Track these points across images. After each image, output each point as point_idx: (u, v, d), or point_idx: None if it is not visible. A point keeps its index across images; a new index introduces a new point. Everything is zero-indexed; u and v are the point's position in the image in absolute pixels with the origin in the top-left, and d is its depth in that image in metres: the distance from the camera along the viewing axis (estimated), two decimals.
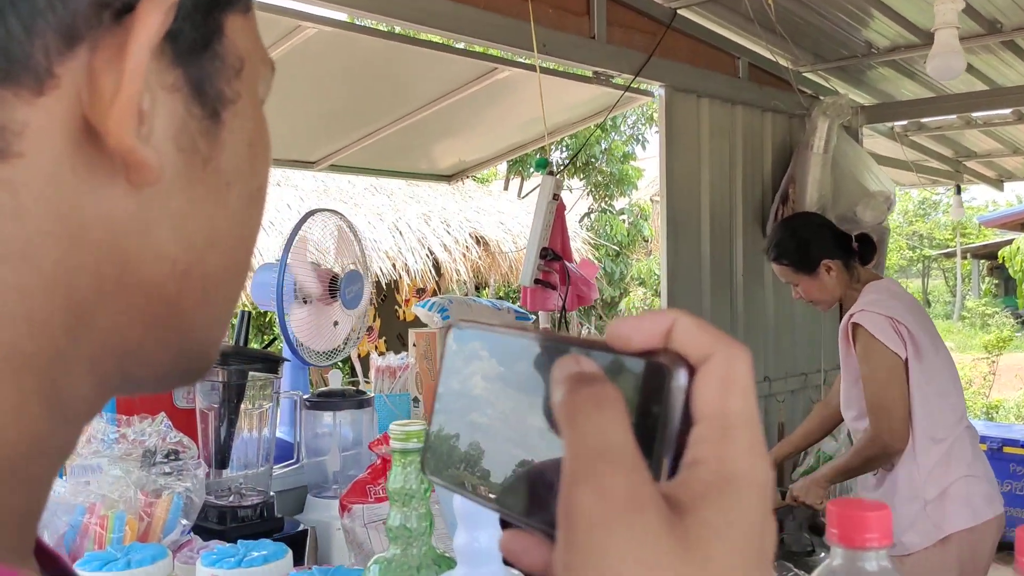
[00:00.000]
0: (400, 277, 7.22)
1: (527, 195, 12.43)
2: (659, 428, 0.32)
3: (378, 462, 1.34)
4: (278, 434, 1.97)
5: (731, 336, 0.33)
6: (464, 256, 7.80)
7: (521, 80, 3.14)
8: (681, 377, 0.32)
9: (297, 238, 2.10)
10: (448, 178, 4.42)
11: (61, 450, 0.36)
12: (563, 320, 2.68)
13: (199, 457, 1.29)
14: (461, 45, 3.13)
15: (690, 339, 0.33)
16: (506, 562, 0.71)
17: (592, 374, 0.33)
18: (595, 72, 3.08)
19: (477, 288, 8.84)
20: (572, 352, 0.34)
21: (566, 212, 2.86)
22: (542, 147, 3.86)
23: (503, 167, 11.51)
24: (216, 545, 0.93)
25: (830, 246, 2.48)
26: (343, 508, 1.31)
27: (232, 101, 0.37)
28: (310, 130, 3.45)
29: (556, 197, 2.69)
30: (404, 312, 8.18)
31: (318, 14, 2.42)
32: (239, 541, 0.91)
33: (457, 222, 8.09)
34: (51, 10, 0.30)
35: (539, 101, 3.29)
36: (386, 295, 8.31)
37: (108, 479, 1.02)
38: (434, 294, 7.64)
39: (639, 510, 0.30)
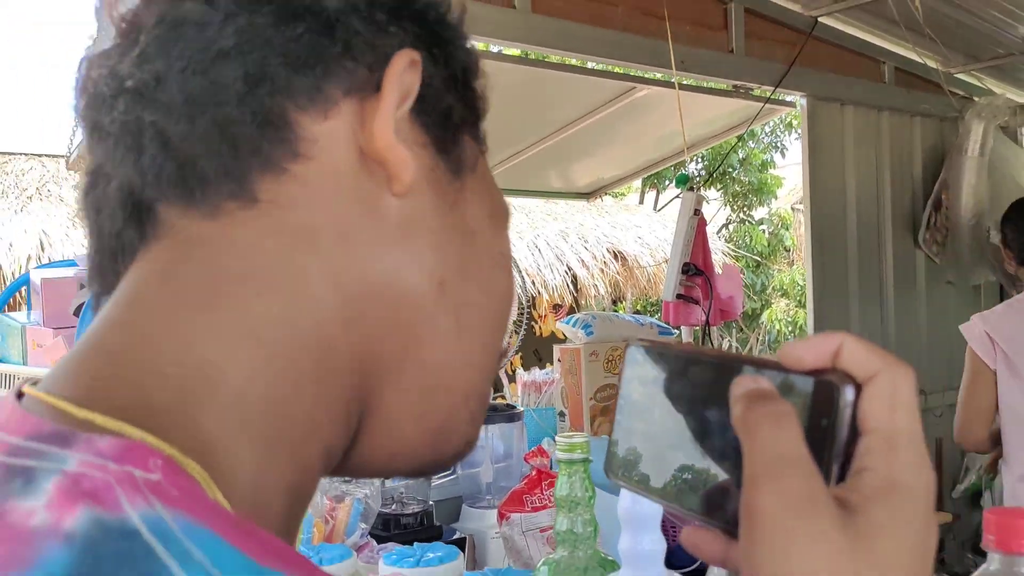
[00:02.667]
0: (539, 294, 7.32)
1: (663, 208, 12.35)
2: (828, 439, 0.36)
3: (533, 473, 1.40)
4: None
5: (895, 356, 0.37)
6: (602, 271, 7.84)
7: (657, 96, 3.17)
8: (849, 393, 0.36)
9: None
10: (586, 195, 4.48)
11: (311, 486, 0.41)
12: (707, 335, 2.69)
13: None
14: (591, 65, 3.19)
15: (857, 359, 0.37)
16: (668, 565, 0.76)
17: (768, 391, 0.38)
18: (734, 86, 3.08)
19: (614, 303, 8.84)
20: (746, 371, 0.39)
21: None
22: (680, 162, 3.87)
23: (638, 180, 11.48)
24: (395, 547, 1.02)
25: None
26: (501, 517, 1.38)
27: (471, 170, 0.45)
28: None
29: (697, 212, 2.70)
30: (541, 328, 8.29)
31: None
32: (415, 543, 1.00)
33: (594, 237, 8.14)
34: (347, 72, 0.40)
35: (676, 116, 3.31)
36: (522, 311, 8.43)
37: None
38: (571, 310, 7.71)
39: (815, 509, 0.34)
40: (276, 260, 0.39)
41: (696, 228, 2.70)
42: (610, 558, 0.81)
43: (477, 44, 2.80)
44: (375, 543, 1.09)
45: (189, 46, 0.39)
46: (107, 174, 0.41)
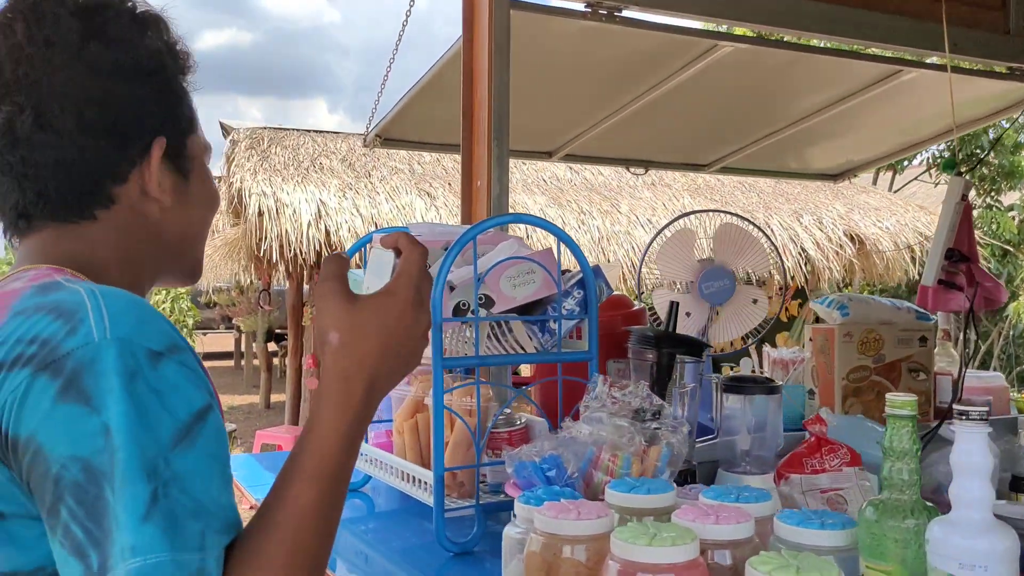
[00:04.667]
0: (770, 274, 7.23)
1: (899, 189, 11.69)
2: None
3: (812, 439, 1.52)
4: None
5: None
6: (837, 254, 7.63)
7: (922, 78, 3.11)
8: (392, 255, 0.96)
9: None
10: (833, 177, 4.42)
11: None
12: (970, 321, 2.65)
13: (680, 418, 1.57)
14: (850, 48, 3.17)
15: (401, 243, 0.95)
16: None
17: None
18: (1009, 68, 2.97)
19: (845, 286, 8.55)
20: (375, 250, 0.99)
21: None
22: (945, 145, 3.73)
23: None
24: (713, 486, 1.18)
25: None
26: (780, 476, 1.51)
27: (191, 171, 1.02)
28: (708, 136, 3.69)
29: (964, 198, 2.66)
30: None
31: (734, 33, 2.63)
32: (728, 486, 1.15)
33: (830, 219, 7.91)
34: (128, 162, 0.96)
35: (937, 97, 3.23)
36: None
37: (611, 427, 1.33)
38: (799, 292, 7.56)
39: (334, 295, 0.88)
40: (110, 237, 0.97)
41: (962, 214, 2.66)
42: (930, 505, 0.93)
43: (745, 31, 2.88)
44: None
45: (44, 154, 0.91)
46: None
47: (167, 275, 1.06)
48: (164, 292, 7.91)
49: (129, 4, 0.97)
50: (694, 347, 2.10)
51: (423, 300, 0.91)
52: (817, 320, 2.87)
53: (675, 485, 1.17)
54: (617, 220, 7.48)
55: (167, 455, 0.75)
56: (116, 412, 0.74)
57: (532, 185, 7.81)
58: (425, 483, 1.49)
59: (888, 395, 0.92)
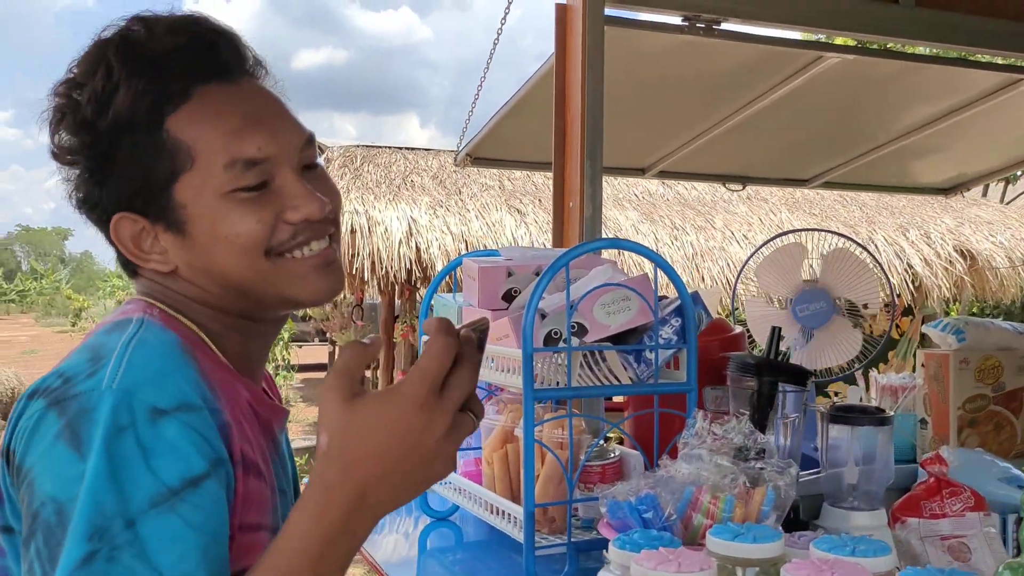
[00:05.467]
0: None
1: (1011, 201, 11.12)
2: None
3: (931, 480, 1.41)
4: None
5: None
6: (946, 271, 7.28)
7: None
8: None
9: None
10: (944, 191, 4.21)
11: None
12: None
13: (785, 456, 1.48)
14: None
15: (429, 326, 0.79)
16: None
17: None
18: None
19: (954, 304, 8.16)
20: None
21: None
22: None
23: None
24: (824, 535, 1.09)
25: None
26: (895, 519, 1.40)
27: (187, 220, 0.91)
28: (809, 150, 3.56)
29: None
30: (871, 326, 7.86)
31: (836, 44, 2.52)
32: (842, 535, 1.06)
33: (938, 234, 7.57)
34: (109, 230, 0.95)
35: None
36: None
37: (711, 466, 1.25)
38: (907, 310, 7.24)
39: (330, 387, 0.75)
40: (162, 281, 0.96)
41: None
42: None
43: (858, 41, 2.76)
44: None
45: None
46: None
47: (266, 307, 0.98)
48: None
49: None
50: (797, 375, 1.99)
51: (443, 401, 0.75)
52: (923, 341, 2.71)
53: (782, 530, 1.08)
54: (711, 236, 7.32)
55: (135, 516, 0.72)
56: (91, 464, 0.73)
57: (624, 200, 7.72)
58: (515, 518, 1.44)
59: None
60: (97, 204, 0.92)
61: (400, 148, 7.74)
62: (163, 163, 0.88)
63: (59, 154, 0.91)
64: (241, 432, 0.87)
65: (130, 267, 0.96)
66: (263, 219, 0.89)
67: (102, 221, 0.92)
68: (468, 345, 0.77)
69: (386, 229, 6.18)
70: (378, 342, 0.77)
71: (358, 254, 6.04)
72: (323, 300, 0.97)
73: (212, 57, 0.91)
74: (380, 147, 7.68)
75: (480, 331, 0.80)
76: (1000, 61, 2.84)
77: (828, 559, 0.98)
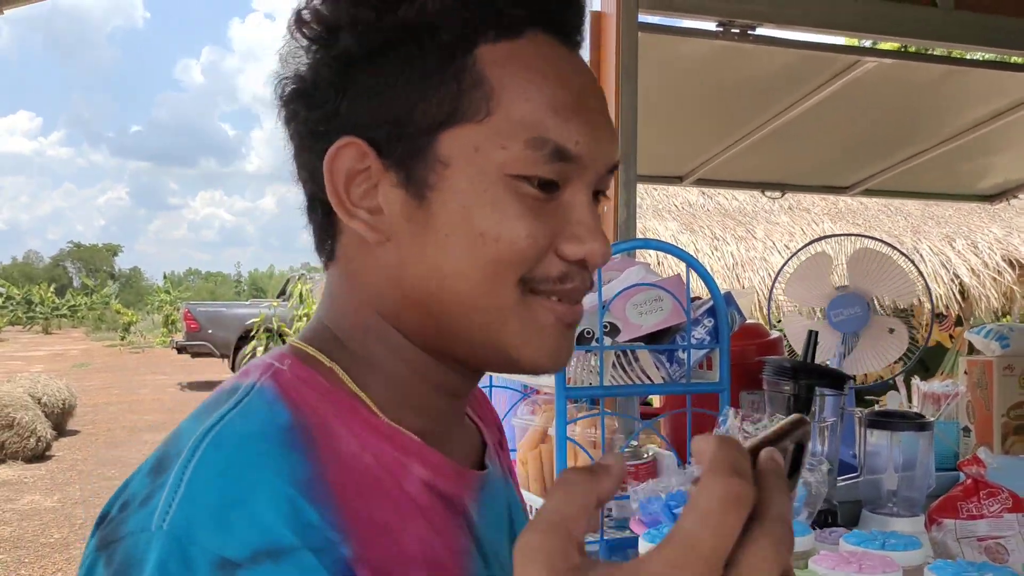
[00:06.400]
0: (918, 302, 6.84)
1: None
2: None
3: (968, 482, 1.40)
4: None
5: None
6: (995, 280, 7.14)
7: None
8: None
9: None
10: (989, 198, 4.14)
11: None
12: None
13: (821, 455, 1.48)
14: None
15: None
16: None
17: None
18: None
19: (1004, 315, 7.99)
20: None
21: None
22: None
23: None
24: (855, 530, 1.09)
25: None
26: (932, 521, 1.39)
27: (436, 185, 0.63)
28: (849, 156, 3.53)
29: None
30: (921, 335, 7.74)
31: (877, 48, 2.50)
32: (872, 531, 1.06)
33: (986, 243, 7.43)
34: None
35: None
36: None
37: None
38: (957, 321, 7.11)
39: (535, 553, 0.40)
40: (347, 286, 0.69)
41: None
42: None
43: (890, 45, 2.74)
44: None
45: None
46: None
47: (467, 355, 0.67)
48: (306, 316, 7.73)
49: None
50: (835, 379, 1.98)
51: None
52: (972, 351, 2.66)
53: (813, 528, 1.09)
54: (752, 246, 7.27)
55: None
56: None
57: (663, 211, 7.70)
58: None
59: None
60: (325, 113, 0.64)
61: None
62: (447, 94, 0.62)
63: (308, 21, 0.65)
64: (390, 554, 0.60)
65: (326, 244, 0.69)
66: (535, 234, 0.62)
67: (313, 145, 0.66)
68: (772, 489, 0.42)
69: None
70: (618, 469, 0.43)
71: None
72: (545, 369, 0.67)
73: (562, 5, 0.67)
74: None
75: (798, 444, 0.46)
76: None
77: (857, 552, 0.98)
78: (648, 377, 1.49)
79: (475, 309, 0.64)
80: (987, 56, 2.69)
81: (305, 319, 7.54)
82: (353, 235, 0.66)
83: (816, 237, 2.26)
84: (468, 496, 0.70)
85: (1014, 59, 2.82)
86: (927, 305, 6.60)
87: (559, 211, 0.64)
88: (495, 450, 0.81)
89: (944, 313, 7.00)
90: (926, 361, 5.91)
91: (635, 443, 1.58)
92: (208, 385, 13.68)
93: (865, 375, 2.74)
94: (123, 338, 25.65)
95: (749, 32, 2.25)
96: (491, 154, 0.62)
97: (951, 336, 7.13)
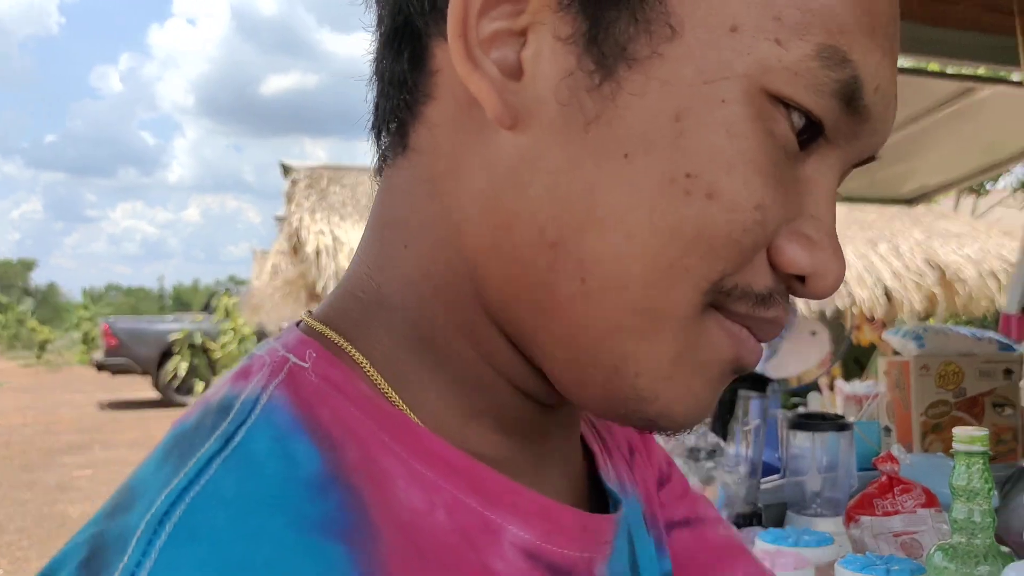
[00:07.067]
0: (846, 306, 7.01)
1: (983, 214, 11.29)
2: None
3: (884, 479, 1.41)
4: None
5: None
6: (917, 284, 7.34)
7: (995, 96, 2.97)
8: None
9: None
10: (909, 202, 4.26)
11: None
12: None
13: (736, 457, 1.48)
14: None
15: None
16: None
17: None
18: None
19: (922, 319, 8.24)
20: None
21: None
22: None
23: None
24: (770, 528, 1.09)
25: None
26: (849, 519, 1.40)
27: (638, 60, 0.34)
28: None
29: None
30: (857, 337, 7.92)
31: None
32: (787, 527, 1.06)
33: (908, 247, 7.64)
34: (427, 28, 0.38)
35: (1018, 116, 3.07)
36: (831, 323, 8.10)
37: None
38: (883, 324, 7.31)
39: None
40: (411, 209, 0.41)
41: None
42: (1006, 550, 0.83)
43: None
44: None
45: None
46: None
47: (548, 371, 0.40)
48: (232, 331, 7.30)
49: None
50: (758, 382, 1.99)
51: None
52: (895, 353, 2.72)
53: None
54: None
55: None
56: None
57: None
58: None
59: (955, 429, 0.83)
60: None
61: (367, 169, 7.70)
62: None
63: None
64: None
65: (396, 116, 0.41)
66: (767, 207, 0.36)
67: None
68: None
69: (351, 249, 6.18)
70: None
71: (323, 274, 6.03)
72: (677, 426, 0.40)
73: None
74: (347, 168, 7.67)
75: None
76: (950, 71, 2.89)
77: (771, 550, 0.98)
78: None
79: (623, 305, 0.36)
80: (905, 64, 2.76)
81: (231, 333, 7.19)
82: (453, 107, 0.38)
83: None
84: (598, 556, 0.43)
85: (930, 66, 2.90)
86: (853, 310, 6.76)
87: (795, 188, 0.37)
88: (622, 463, 0.53)
89: (871, 316, 7.17)
90: (861, 362, 6.04)
91: None
92: (129, 405, 13.31)
93: (799, 377, 2.78)
94: (39, 356, 24.84)
95: None
96: (754, 42, 0.34)
97: (880, 338, 7.32)
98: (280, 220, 9.87)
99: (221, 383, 0.40)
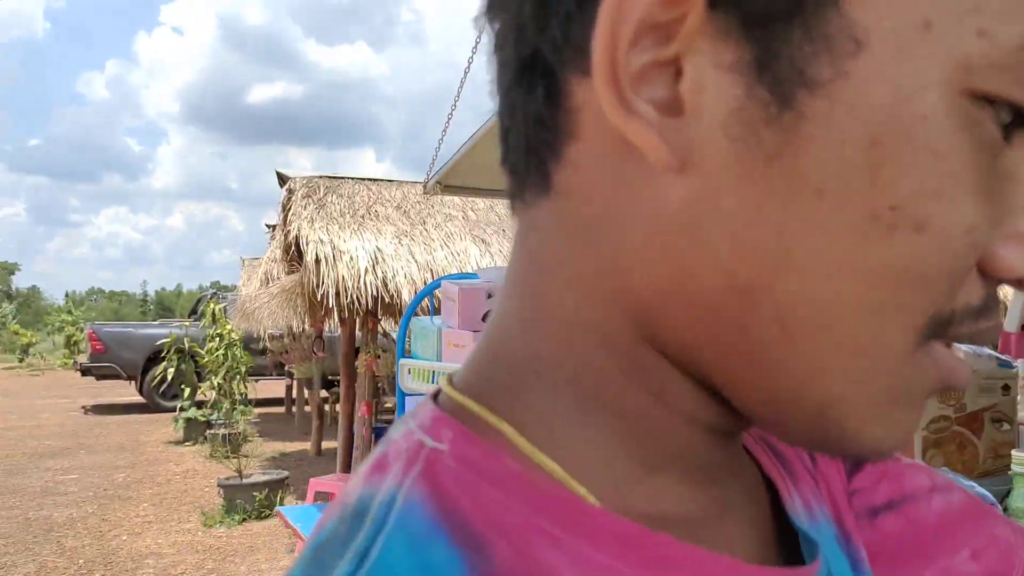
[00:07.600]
0: None
1: None
2: None
3: None
4: None
5: None
6: None
7: None
8: None
9: None
10: None
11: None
12: None
13: None
14: None
15: None
16: None
17: None
18: None
19: None
20: None
21: None
22: None
23: None
24: None
25: None
26: None
27: (820, 84, 0.30)
28: None
29: None
30: None
31: None
32: None
33: None
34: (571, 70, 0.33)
35: None
36: None
37: None
38: None
39: None
40: (566, 256, 0.36)
41: None
42: None
43: None
44: None
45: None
46: None
47: (741, 405, 0.36)
48: (219, 337, 7.48)
49: None
50: None
51: None
52: None
53: None
54: None
55: None
56: None
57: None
58: None
59: (1014, 452, 0.87)
60: None
61: (363, 179, 7.75)
62: None
63: None
64: None
65: (536, 157, 0.36)
66: (978, 227, 0.31)
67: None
68: None
69: (351, 258, 6.17)
70: None
71: (322, 283, 6.03)
72: (881, 458, 0.36)
73: None
74: (343, 178, 7.68)
75: None
76: None
77: None
78: None
79: (829, 347, 0.32)
80: None
81: (218, 339, 7.25)
82: (601, 149, 0.33)
83: None
84: None
85: None
86: None
87: (1000, 187, 0.32)
88: (805, 477, 0.48)
89: None
90: None
91: None
92: (113, 409, 13.20)
93: None
94: (21, 360, 24.59)
95: None
96: (953, 39, 0.29)
97: None
98: (271, 228, 9.83)
99: (355, 484, 0.36)
